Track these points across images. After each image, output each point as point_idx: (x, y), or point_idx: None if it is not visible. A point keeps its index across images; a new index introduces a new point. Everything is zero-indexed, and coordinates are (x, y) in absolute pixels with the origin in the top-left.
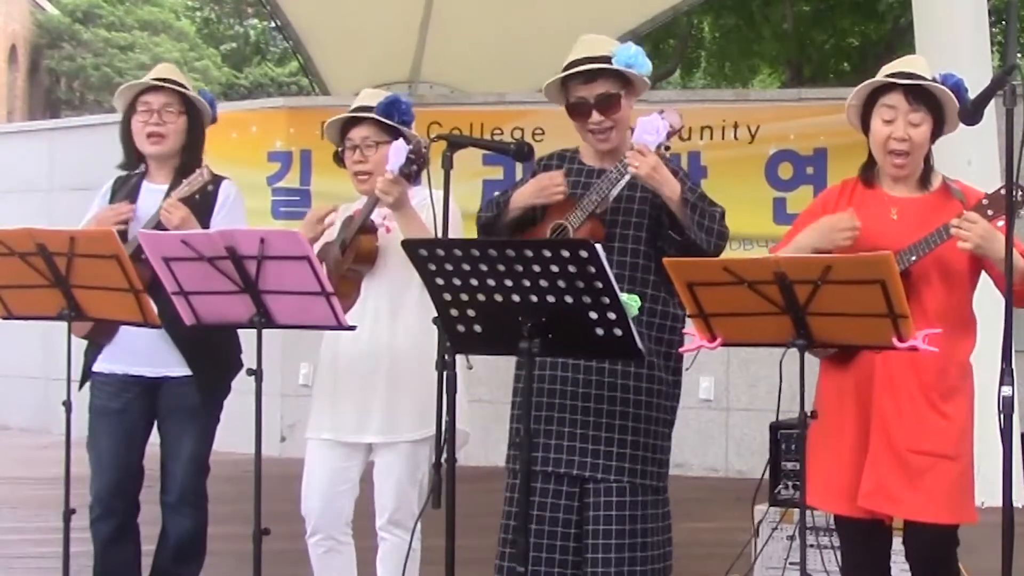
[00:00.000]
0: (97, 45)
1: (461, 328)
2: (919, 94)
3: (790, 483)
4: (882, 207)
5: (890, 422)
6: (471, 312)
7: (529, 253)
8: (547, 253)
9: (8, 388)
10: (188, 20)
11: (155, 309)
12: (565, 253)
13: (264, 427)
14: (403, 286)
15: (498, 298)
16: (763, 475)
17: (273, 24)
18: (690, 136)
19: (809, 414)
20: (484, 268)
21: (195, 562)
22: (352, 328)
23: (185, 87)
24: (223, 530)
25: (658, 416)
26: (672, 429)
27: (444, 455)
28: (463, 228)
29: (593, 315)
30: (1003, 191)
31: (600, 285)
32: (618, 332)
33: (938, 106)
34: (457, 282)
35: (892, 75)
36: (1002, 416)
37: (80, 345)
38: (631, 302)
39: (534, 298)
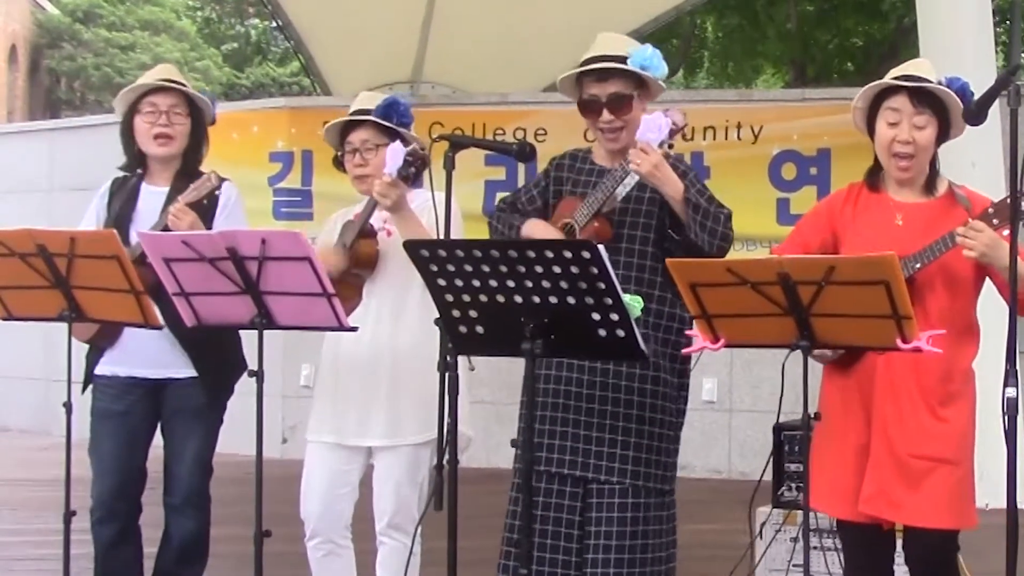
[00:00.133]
0: (98, 45)
1: (463, 329)
2: (924, 97)
3: (793, 485)
4: (887, 212)
5: (891, 426)
6: (473, 313)
7: (531, 254)
8: (549, 254)
9: (8, 389)
10: (189, 20)
11: (156, 310)
12: (567, 254)
13: (265, 429)
14: (404, 289)
15: (500, 299)
16: (761, 477)
17: (274, 24)
18: (693, 136)
19: (812, 416)
20: (486, 269)
21: (198, 564)
22: (354, 329)
23: (189, 88)
24: (224, 532)
25: (662, 418)
26: (679, 432)
27: (446, 457)
28: (464, 229)
29: (596, 316)
30: (1009, 200)
31: (603, 286)
32: (621, 333)
33: (943, 109)
34: (459, 283)
35: (897, 78)
36: (1006, 418)
37: (81, 348)
38: (634, 303)
39: (536, 299)
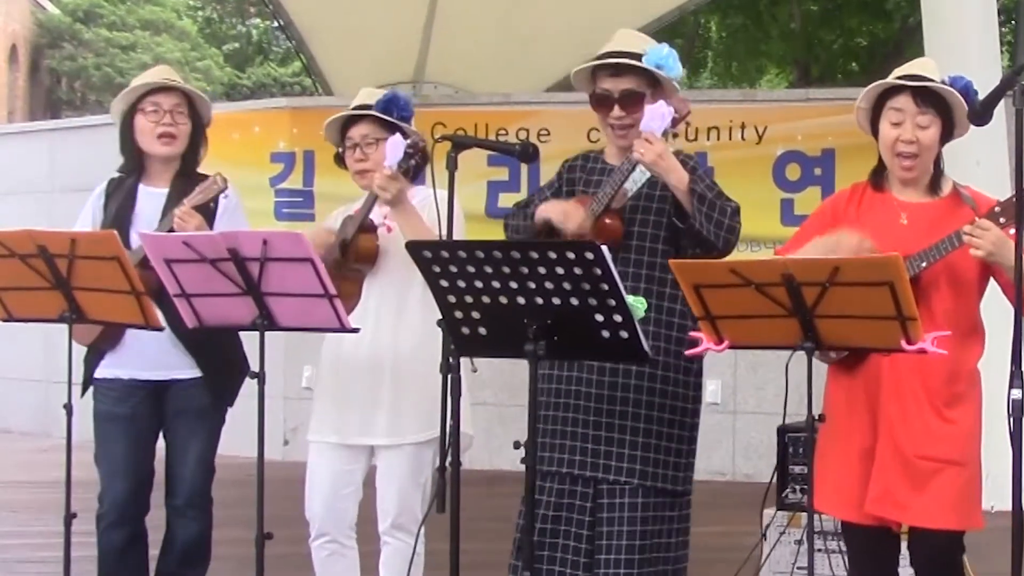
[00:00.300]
0: (98, 45)
1: (466, 330)
2: (927, 96)
3: (798, 487)
4: (891, 212)
5: (897, 428)
6: (476, 314)
7: (534, 255)
8: (552, 255)
9: (9, 391)
10: (190, 20)
11: (156, 311)
12: (571, 255)
13: (267, 430)
14: (405, 286)
15: (503, 300)
16: (771, 479)
17: (276, 23)
18: (696, 137)
19: (816, 418)
20: (489, 270)
21: (200, 566)
22: (355, 330)
23: (190, 90)
24: (226, 534)
25: (672, 418)
26: (694, 432)
27: (448, 459)
28: (467, 229)
29: (599, 317)
30: (1015, 199)
31: (606, 287)
32: (624, 335)
33: (947, 109)
34: (461, 284)
35: (900, 77)
36: (1011, 419)
37: (80, 350)
38: (637, 304)
39: (539, 300)
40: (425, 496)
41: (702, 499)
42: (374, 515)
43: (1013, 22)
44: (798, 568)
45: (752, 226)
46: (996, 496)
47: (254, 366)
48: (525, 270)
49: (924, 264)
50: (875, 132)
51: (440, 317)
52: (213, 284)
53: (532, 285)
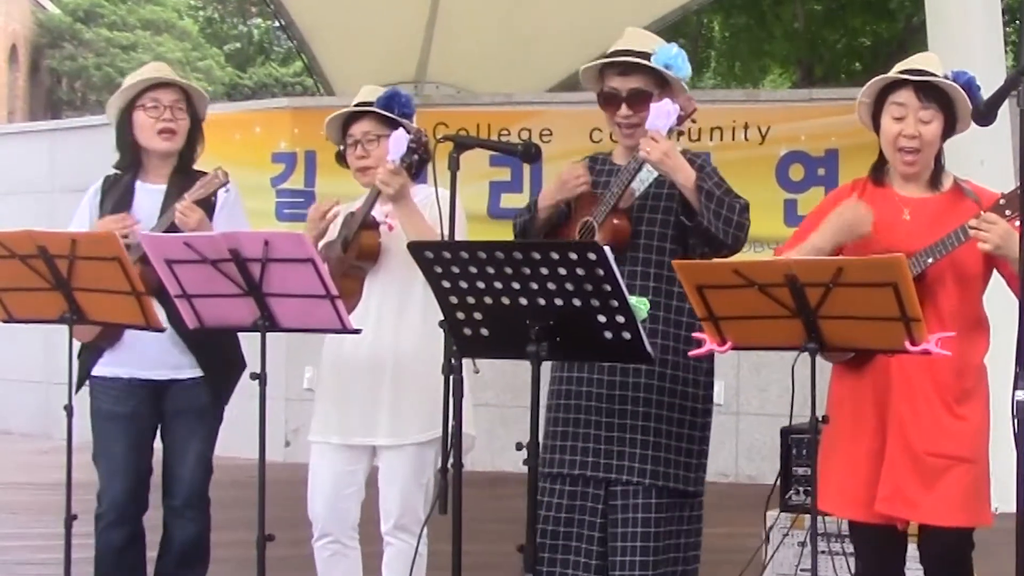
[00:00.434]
0: (99, 45)
1: (468, 331)
2: (930, 91)
3: (801, 488)
4: (894, 207)
5: (908, 425)
6: (478, 315)
7: (536, 255)
8: (555, 255)
9: (9, 392)
10: (191, 19)
11: (157, 312)
12: (573, 256)
13: (268, 432)
14: (407, 285)
15: (505, 301)
16: (776, 481)
17: (277, 23)
18: (699, 137)
19: (820, 419)
20: (491, 271)
21: (199, 567)
22: (357, 331)
23: (188, 85)
24: (227, 536)
25: (682, 418)
26: (706, 432)
27: (450, 460)
28: (469, 230)
29: (602, 318)
30: (1020, 190)
31: (609, 288)
32: (627, 335)
33: (949, 104)
34: (464, 285)
35: (903, 72)
36: (1016, 420)
37: (76, 346)
38: (640, 305)
39: (542, 301)
40: (427, 496)
41: (705, 500)
42: (376, 516)
43: (1017, 22)
44: (801, 570)
45: (755, 227)
46: (1001, 497)
47: (255, 367)
48: (527, 271)
49: (930, 260)
50: (876, 127)
51: (442, 317)
52: (214, 285)
53: (534, 286)
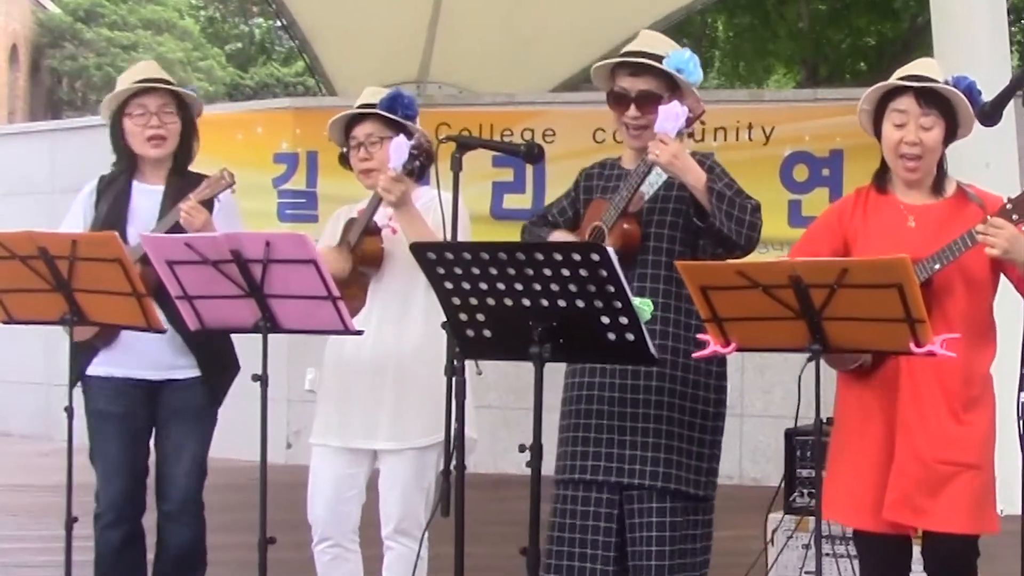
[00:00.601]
0: (99, 45)
1: (470, 333)
2: (930, 97)
3: (805, 491)
4: (898, 215)
5: (915, 432)
6: (480, 316)
7: (540, 256)
8: (558, 256)
9: (9, 394)
10: (192, 19)
11: (158, 313)
12: (576, 257)
13: (269, 434)
14: (410, 288)
15: (508, 302)
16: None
17: (278, 23)
18: (703, 137)
19: (824, 421)
20: (494, 272)
21: (199, 570)
22: (359, 333)
23: (176, 85)
24: (228, 539)
25: (693, 421)
26: (718, 436)
27: (453, 462)
28: (472, 231)
29: (605, 320)
30: None
31: (612, 289)
32: (630, 337)
33: (950, 109)
34: (466, 286)
35: (903, 78)
36: (1020, 422)
37: (58, 346)
38: (643, 306)
39: (545, 302)
40: (428, 500)
41: None
42: (378, 519)
43: (1022, 21)
44: (805, 572)
45: None
46: (1005, 500)
47: (256, 368)
48: (530, 272)
49: (937, 266)
50: (878, 134)
51: (444, 319)
52: (215, 286)
53: (537, 287)
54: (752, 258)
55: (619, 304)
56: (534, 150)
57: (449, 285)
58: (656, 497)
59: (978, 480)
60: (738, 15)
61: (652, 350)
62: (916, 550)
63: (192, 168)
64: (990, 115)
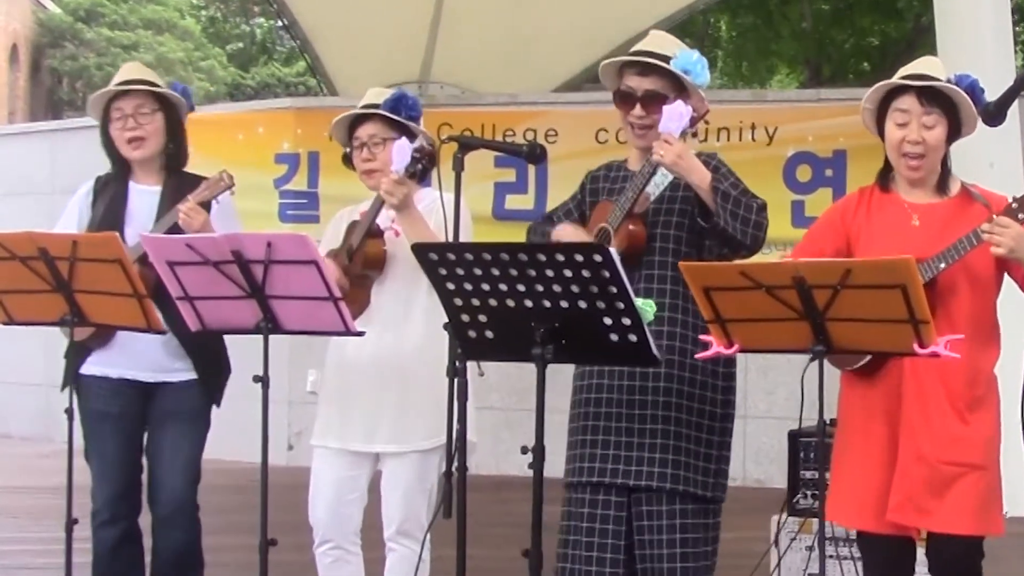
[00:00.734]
0: (100, 44)
1: (472, 334)
2: (933, 96)
3: (809, 492)
4: (902, 214)
5: (919, 434)
6: (482, 318)
7: (542, 257)
8: (560, 257)
9: (9, 395)
10: (193, 19)
11: (159, 314)
12: (578, 258)
13: (271, 435)
14: (412, 291)
15: (510, 303)
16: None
17: (280, 23)
18: (706, 137)
19: (828, 422)
20: (496, 272)
21: (197, 570)
22: (361, 334)
23: (155, 84)
24: (229, 541)
25: (700, 422)
26: (726, 438)
27: (455, 463)
28: (474, 231)
29: (607, 321)
30: None
31: (614, 290)
32: (633, 338)
33: (953, 108)
34: (468, 287)
35: (905, 77)
36: None
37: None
38: (646, 307)
39: (547, 303)
40: (431, 502)
41: None
42: (379, 521)
43: None
44: (809, 574)
45: None
46: (1010, 502)
47: (258, 370)
48: (532, 273)
49: (943, 265)
50: (882, 133)
51: (446, 320)
52: (216, 287)
53: (539, 288)
54: (755, 259)
55: (622, 305)
56: (536, 150)
57: (451, 286)
58: (665, 499)
59: (983, 481)
60: (741, 15)
61: (655, 351)
62: (920, 552)
63: (194, 169)
64: (994, 115)
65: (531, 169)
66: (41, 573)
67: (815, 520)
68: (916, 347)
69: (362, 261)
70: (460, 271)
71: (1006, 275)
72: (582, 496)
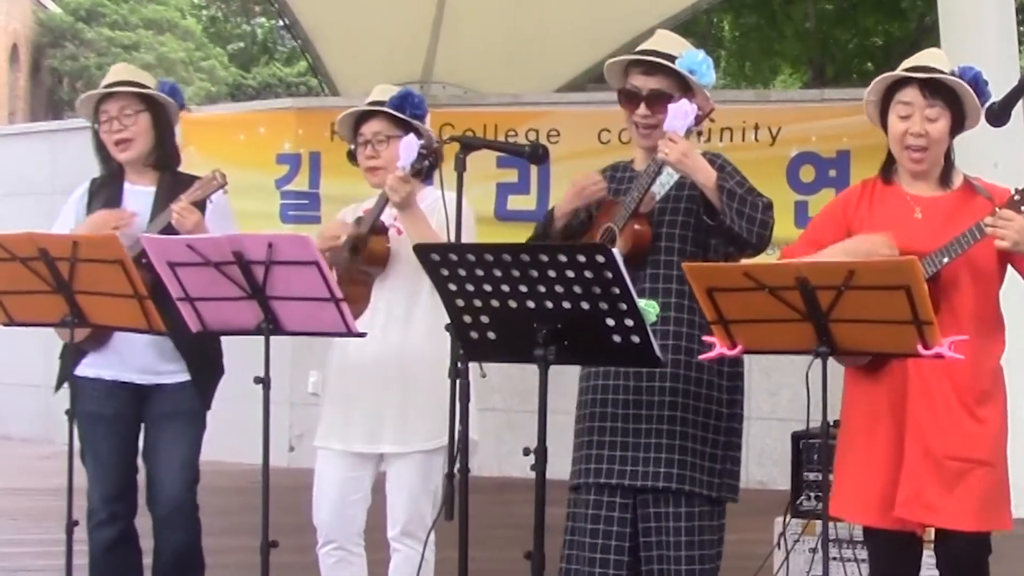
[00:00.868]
0: (101, 44)
1: (474, 335)
2: (936, 88)
3: (812, 494)
4: (905, 207)
5: (927, 429)
6: (484, 319)
7: (544, 258)
8: (562, 258)
9: (9, 396)
10: (194, 19)
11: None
12: (581, 258)
13: (272, 437)
14: (415, 290)
15: (512, 304)
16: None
17: (281, 22)
18: (709, 137)
19: (831, 423)
20: (498, 273)
21: (198, 570)
22: (362, 335)
23: (142, 84)
24: (230, 542)
25: (706, 422)
26: (732, 438)
27: (457, 465)
28: (476, 232)
29: (610, 322)
30: None
31: (617, 291)
32: (636, 339)
33: (956, 100)
34: (470, 288)
35: (908, 69)
36: None
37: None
38: (649, 308)
39: (549, 304)
40: (435, 503)
41: None
42: (383, 522)
43: None
44: None
45: None
46: (1015, 503)
47: (259, 371)
48: (535, 273)
49: (946, 259)
50: (885, 125)
51: (448, 321)
52: (217, 288)
53: (542, 289)
54: (758, 259)
55: (624, 306)
56: (538, 151)
57: (453, 287)
58: (672, 500)
59: (992, 477)
60: (744, 15)
61: (658, 352)
62: (928, 550)
63: (195, 169)
64: (999, 115)
65: (533, 169)
66: (41, 575)
67: (819, 522)
68: (920, 348)
69: (365, 257)
70: (462, 272)
71: (1009, 267)
72: (586, 497)
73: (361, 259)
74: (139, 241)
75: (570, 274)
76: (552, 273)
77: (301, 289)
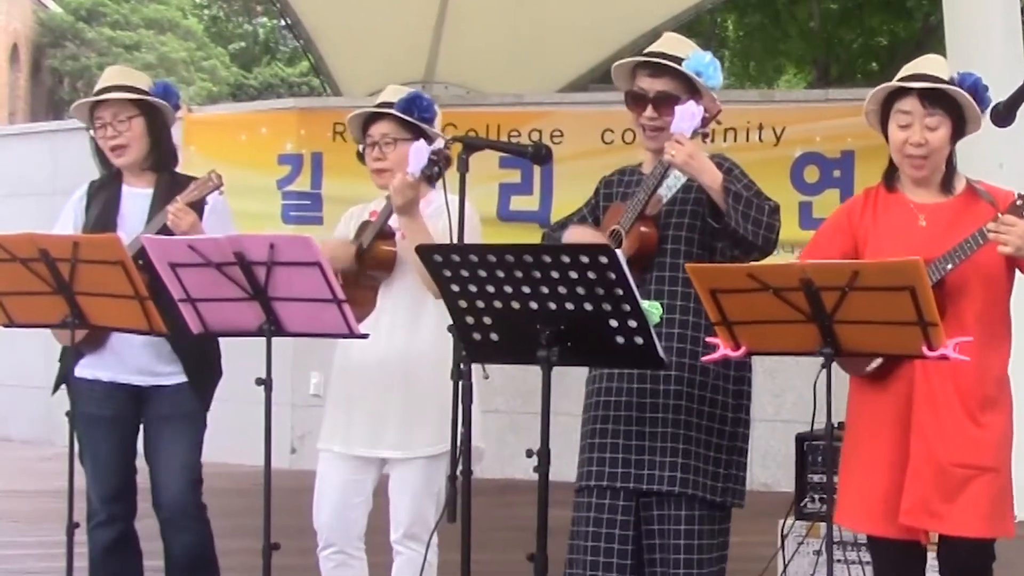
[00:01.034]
0: (101, 44)
1: (477, 336)
2: (935, 97)
3: (816, 496)
4: (909, 214)
5: (931, 436)
6: (487, 320)
7: (547, 259)
8: (566, 259)
9: (9, 398)
10: (195, 18)
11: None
12: (584, 259)
13: (274, 438)
14: (421, 294)
15: (515, 305)
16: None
17: (283, 22)
18: (713, 138)
19: (836, 425)
20: (501, 274)
21: (210, 571)
22: (364, 336)
23: (135, 88)
24: (232, 544)
25: (710, 426)
26: (738, 442)
27: (459, 467)
28: (480, 232)
29: (613, 323)
30: None
31: (620, 292)
32: (639, 341)
33: (956, 107)
34: (473, 289)
35: (906, 78)
36: None
37: (58, 350)
38: (652, 309)
39: (552, 305)
40: (439, 505)
41: None
42: (385, 525)
43: None
44: None
45: None
46: (1017, 506)
47: (260, 373)
48: (537, 275)
49: (950, 266)
50: (886, 133)
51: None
52: (219, 289)
53: (545, 290)
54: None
55: (628, 307)
56: (541, 151)
57: (455, 288)
58: (674, 504)
59: (995, 483)
60: (748, 14)
61: (661, 354)
62: (930, 555)
63: (196, 169)
64: (1004, 116)
65: (536, 170)
66: None
67: (823, 524)
68: (925, 349)
69: (372, 262)
70: (465, 273)
71: (1018, 272)
72: (590, 500)
73: (367, 264)
74: (138, 241)
75: (573, 275)
76: (555, 274)
77: (303, 290)
